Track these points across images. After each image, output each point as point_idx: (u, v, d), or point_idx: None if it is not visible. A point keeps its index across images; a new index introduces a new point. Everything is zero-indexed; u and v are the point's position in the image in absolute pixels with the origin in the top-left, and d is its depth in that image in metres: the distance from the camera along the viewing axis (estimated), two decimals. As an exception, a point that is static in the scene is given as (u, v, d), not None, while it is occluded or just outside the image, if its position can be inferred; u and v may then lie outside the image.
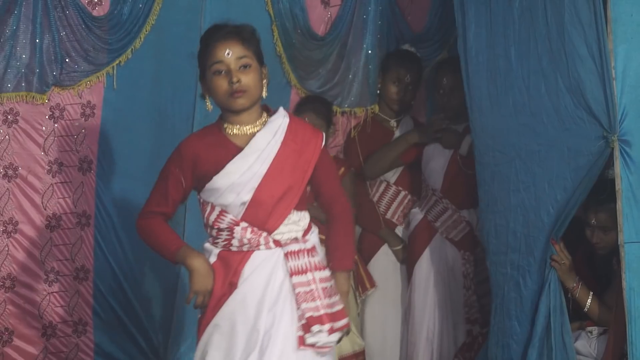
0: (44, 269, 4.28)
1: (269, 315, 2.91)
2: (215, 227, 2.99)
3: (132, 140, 4.23)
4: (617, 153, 3.23)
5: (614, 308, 3.41)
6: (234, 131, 3.00)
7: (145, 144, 4.26)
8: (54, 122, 4.23)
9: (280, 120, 3.00)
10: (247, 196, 2.92)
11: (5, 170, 4.19)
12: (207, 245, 3.03)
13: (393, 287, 4.48)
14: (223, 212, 2.96)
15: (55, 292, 4.32)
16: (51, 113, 4.21)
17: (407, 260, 4.46)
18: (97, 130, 4.29)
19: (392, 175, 4.53)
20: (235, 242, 2.95)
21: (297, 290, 2.92)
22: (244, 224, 2.94)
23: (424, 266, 4.35)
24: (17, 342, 4.26)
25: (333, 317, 2.94)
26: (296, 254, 2.96)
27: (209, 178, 2.95)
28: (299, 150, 3.00)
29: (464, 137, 4.26)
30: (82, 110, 4.27)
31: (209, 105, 3.01)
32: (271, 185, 2.94)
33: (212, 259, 2.99)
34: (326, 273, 3.00)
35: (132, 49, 4.27)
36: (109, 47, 4.22)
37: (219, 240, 2.98)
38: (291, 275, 2.93)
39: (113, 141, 4.17)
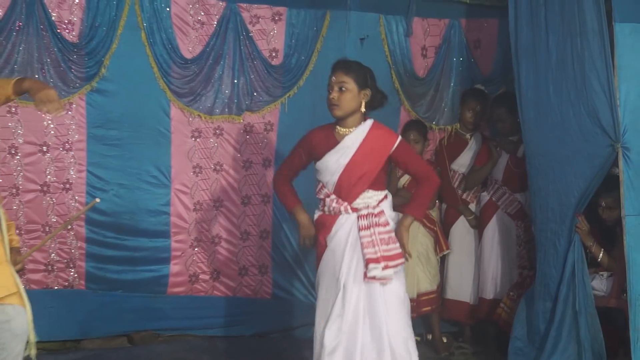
0: (239, 231, 4.94)
1: (348, 259, 3.34)
2: (317, 196, 3.46)
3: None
4: (620, 156, 3.70)
5: (618, 259, 3.93)
6: (339, 131, 3.44)
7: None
8: (246, 134, 4.90)
9: (364, 127, 3.40)
10: (335, 178, 3.38)
11: (215, 166, 4.89)
12: (316, 210, 3.51)
13: (468, 244, 5.07)
14: (322, 186, 3.44)
15: (247, 246, 4.98)
16: (244, 129, 4.90)
17: (478, 227, 5.03)
18: (274, 140, 4.95)
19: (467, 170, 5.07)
20: (326, 209, 3.44)
21: (362, 240, 3.34)
22: (333, 197, 3.39)
23: (490, 231, 4.95)
24: (222, 279, 4.95)
25: (388, 258, 3.31)
26: (365, 216, 3.36)
27: (317, 160, 3.45)
28: (374, 148, 3.36)
29: (519, 145, 4.73)
30: (265, 127, 4.95)
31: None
32: (350, 172, 3.36)
33: (316, 219, 3.48)
34: (386, 228, 3.34)
35: (297, 86, 4.93)
36: (282, 85, 4.88)
37: (320, 206, 3.47)
38: (359, 230, 3.36)
39: (285, 147, 4.52)
